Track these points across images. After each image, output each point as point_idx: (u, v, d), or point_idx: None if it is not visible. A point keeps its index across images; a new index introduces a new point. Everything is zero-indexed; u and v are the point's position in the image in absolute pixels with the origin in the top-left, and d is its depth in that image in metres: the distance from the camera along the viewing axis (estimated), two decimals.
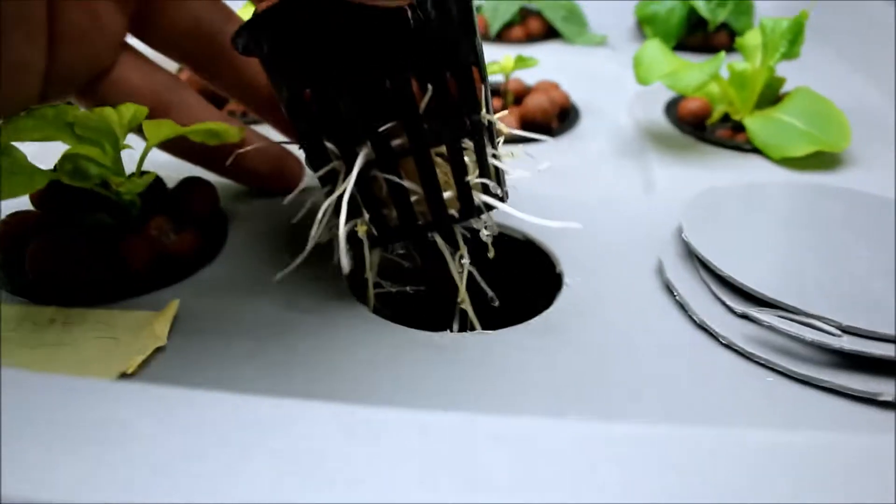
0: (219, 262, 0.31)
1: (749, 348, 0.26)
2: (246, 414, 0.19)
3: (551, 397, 0.24)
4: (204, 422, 0.18)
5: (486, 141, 0.26)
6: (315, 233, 0.27)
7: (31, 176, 0.28)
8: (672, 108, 0.48)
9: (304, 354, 0.25)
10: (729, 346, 0.26)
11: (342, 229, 0.25)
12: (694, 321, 0.27)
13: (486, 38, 0.63)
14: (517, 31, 0.64)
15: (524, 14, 0.65)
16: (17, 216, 0.29)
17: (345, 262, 0.25)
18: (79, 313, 0.27)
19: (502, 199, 0.27)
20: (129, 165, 0.30)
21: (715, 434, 0.19)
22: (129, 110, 0.29)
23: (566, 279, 0.30)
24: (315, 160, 0.27)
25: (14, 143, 0.27)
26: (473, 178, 0.26)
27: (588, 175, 0.40)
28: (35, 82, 0.27)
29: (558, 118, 0.46)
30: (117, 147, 0.29)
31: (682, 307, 0.28)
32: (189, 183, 0.33)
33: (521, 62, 0.46)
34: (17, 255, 0.29)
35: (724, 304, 0.27)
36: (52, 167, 0.29)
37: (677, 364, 0.25)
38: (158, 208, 0.31)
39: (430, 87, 0.24)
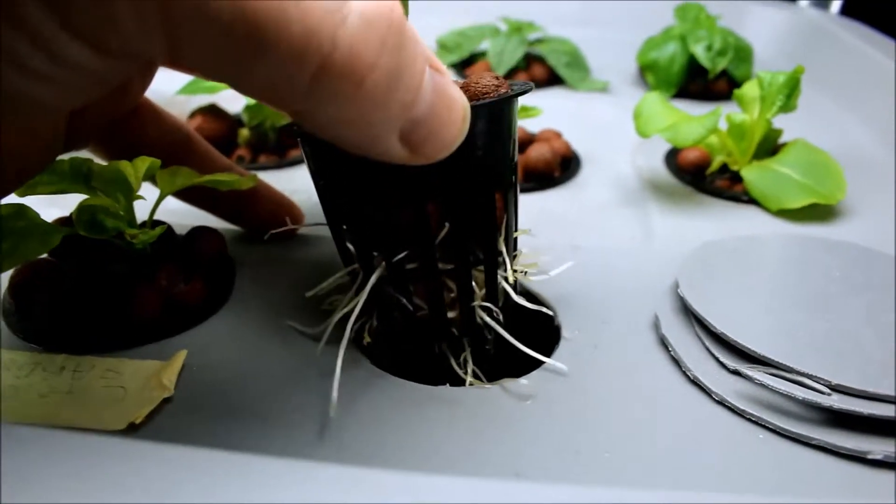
0: (226, 311, 0.31)
1: (741, 405, 0.26)
2: (251, 474, 0.20)
3: (550, 456, 0.24)
4: (208, 482, 0.18)
5: (500, 261, 0.27)
6: (332, 322, 0.28)
7: (44, 236, 0.28)
8: (672, 157, 0.49)
9: (308, 409, 0.26)
10: (721, 403, 0.27)
11: (342, 348, 0.26)
12: (688, 377, 0.28)
13: None
14: (521, 77, 0.65)
15: (528, 60, 0.67)
16: (30, 264, 0.30)
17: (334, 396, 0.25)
18: (88, 361, 0.28)
19: (501, 325, 0.28)
20: (140, 214, 0.31)
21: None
22: (143, 163, 0.30)
23: (564, 332, 0.31)
24: (342, 251, 0.28)
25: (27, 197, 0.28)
26: (478, 301, 0.27)
27: (588, 225, 0.41)
28: (60, 136, 0.28)
29: (560, 167, 0.47)
30: (131, 198, 0.30)
31: (677, 363, 0.29)
32: (198, 232, 0.34)
33: (525, 111, 0.47)
34: (30, 303, 0.29)
35: (717, 360, 0.28)
36: (64, 215, 0.30)
37: (671, 422, 0.26)
38: (168, 256, 0.32)
39: (446, 225, 0.25)
